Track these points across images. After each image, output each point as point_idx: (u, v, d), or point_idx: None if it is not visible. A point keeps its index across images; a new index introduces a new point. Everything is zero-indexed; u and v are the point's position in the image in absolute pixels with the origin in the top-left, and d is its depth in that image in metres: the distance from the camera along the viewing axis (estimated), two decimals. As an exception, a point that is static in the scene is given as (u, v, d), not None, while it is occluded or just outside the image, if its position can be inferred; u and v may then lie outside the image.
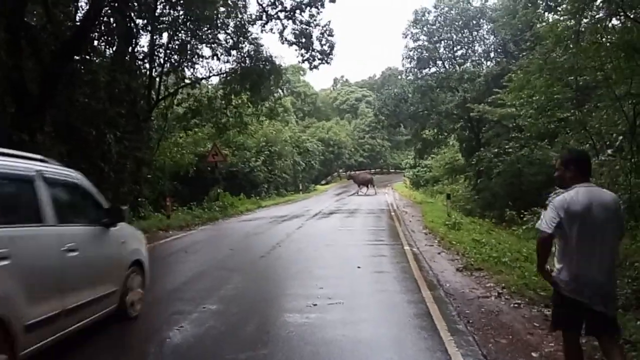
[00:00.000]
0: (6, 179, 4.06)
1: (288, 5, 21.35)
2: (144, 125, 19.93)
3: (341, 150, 65.11)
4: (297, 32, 21.53)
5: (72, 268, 4.53)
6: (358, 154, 71.05)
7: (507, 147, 19.76)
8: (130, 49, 19.65)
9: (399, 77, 29.89)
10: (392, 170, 70.40)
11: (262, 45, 20.81)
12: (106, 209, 5.49)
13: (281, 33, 21.51)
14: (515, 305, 6.20)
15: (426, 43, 27.46)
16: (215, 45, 21.42)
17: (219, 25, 21.00)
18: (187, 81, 22.02)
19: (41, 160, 4.63)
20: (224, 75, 22.00)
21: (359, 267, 8.72)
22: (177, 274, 8.50)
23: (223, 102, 22.44)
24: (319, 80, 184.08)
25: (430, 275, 8.13)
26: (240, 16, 21.30)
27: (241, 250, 11.12)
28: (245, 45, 21.21)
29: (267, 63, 20.43)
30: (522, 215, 15.93)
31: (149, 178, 20.62)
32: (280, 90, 22.94)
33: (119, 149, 17.30)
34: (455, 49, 26.98)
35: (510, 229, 16.60)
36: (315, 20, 21.55)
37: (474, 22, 26.56)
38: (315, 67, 22.12)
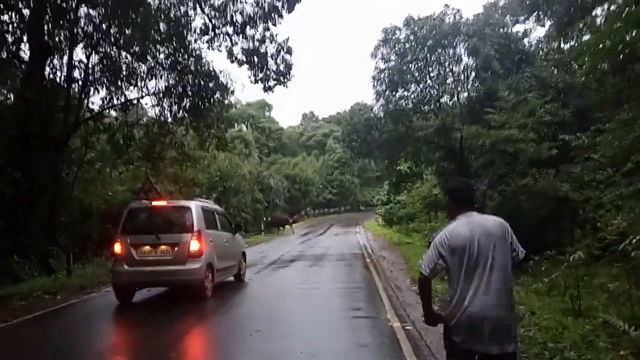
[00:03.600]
0: (209, 212, 10.57)
1: (238, 19, 18.05)
2: (57, 156, 15.78)
3: (308, 188, 61.28)
4: (249, 50, 18.29)
5: (227, 249, 11.06)
6: (327, 191, 67.37)
7: (505, 176, 16.40)
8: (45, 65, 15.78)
9: (370, 107, 26.33)
10: (363, 208, 66.90)
11: (202, 58, 16.97)
12: (233, 226, 12.30)
13: (230, 51, 18.24)
14: None
15: (397, 64, 24.25)
16: (150, 60, 17.56)
17: (155, 38, 17.13)
18: (115, 102, 17.94)
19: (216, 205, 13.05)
20: (160, 95, 18.02)
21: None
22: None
23: (162, 129, 18.43)
24: (287, 117, 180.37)
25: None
26: (180, 29, 17.47)
27: (127, 343, 6.90)
28: (185, 60, 17.40)
29: (209, 79, 16.59)
30: (530, 259, 12.39)
31: (65, 221, 16.32)
32: (225, 114, 18.82)
33: (15, 184, 13.25)
34: (429, 69, 23.79)
35: (516, 278, 12.84)
36: (270, 36, 18.40)
37: (448, 40, 23.56)
38: (270, 88, 18.88)
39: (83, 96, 16.92)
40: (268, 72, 18.82)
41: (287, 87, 18.98)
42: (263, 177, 41.78)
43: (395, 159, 26.11)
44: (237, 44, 18.37)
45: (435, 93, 23.37)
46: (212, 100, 16.67)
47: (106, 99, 17.81)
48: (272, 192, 42.57)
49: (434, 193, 30.74)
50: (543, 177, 15.85)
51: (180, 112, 17.94)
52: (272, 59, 18.85)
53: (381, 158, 28.06)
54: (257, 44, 18.53)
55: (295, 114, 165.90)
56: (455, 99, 23.36)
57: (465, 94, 23.15)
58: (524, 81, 19.33)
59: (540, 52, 22.57)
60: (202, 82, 16.55)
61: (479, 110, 21.13)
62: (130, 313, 9.18)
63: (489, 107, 18.06)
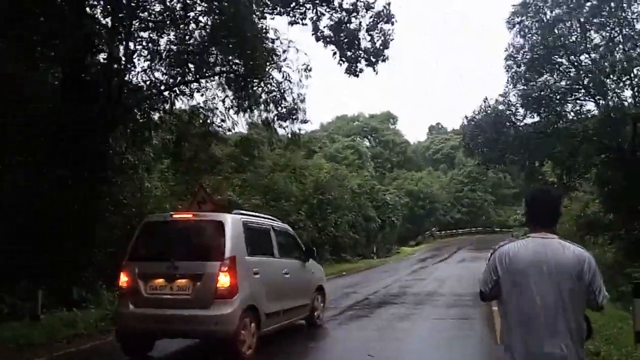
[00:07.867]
0: (257, 230, 7.40)
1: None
2: (96, 154, 12.51)
3: (434, 205, 54.86)
4: (336, 23, 14.20)
5: (287, 284, 7.80)
6: (455, 210, 60.07)
7: None
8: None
9: (501, 99, 20.10)
10: (497, 229, 58.52)
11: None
12: (303, 250, 8.94)
13: (315, 24, 14.16)
14: None
15: (543, 35, 18.03)
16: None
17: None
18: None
19: (272, 218, 8.78)
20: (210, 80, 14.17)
21: None
22: None
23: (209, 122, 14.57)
24: (413, 131, 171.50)
25: None
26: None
27: None
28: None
29: (242, 30, 11.56)
30: None
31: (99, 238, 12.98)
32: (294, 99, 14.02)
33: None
34: (589, 37, 17.18)
35: None
36: (364, 3, 14.17)
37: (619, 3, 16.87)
38: (358, 71, 14.50)
39: (125, 79, 13.57)
40: (358, 52, 14.57)
41: (376, 71, 14.41)
42: (377, 191, 36.72)
43: (538, 164, 19.60)
44: (323, 15, 14.36)
45: (597, 71, 16.72)
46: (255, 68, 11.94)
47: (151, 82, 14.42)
48: (388, 210, 37.27)
49: (589, 211, 23.59)
50: None
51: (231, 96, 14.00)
52: (368, 32, 14.56)
53: (518, 165, 21.60)
54: (345, 15, 14.38)
55: (421, 128, 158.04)
56: (629, 77, 16.52)
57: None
58: None
59: None
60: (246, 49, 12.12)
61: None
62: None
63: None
